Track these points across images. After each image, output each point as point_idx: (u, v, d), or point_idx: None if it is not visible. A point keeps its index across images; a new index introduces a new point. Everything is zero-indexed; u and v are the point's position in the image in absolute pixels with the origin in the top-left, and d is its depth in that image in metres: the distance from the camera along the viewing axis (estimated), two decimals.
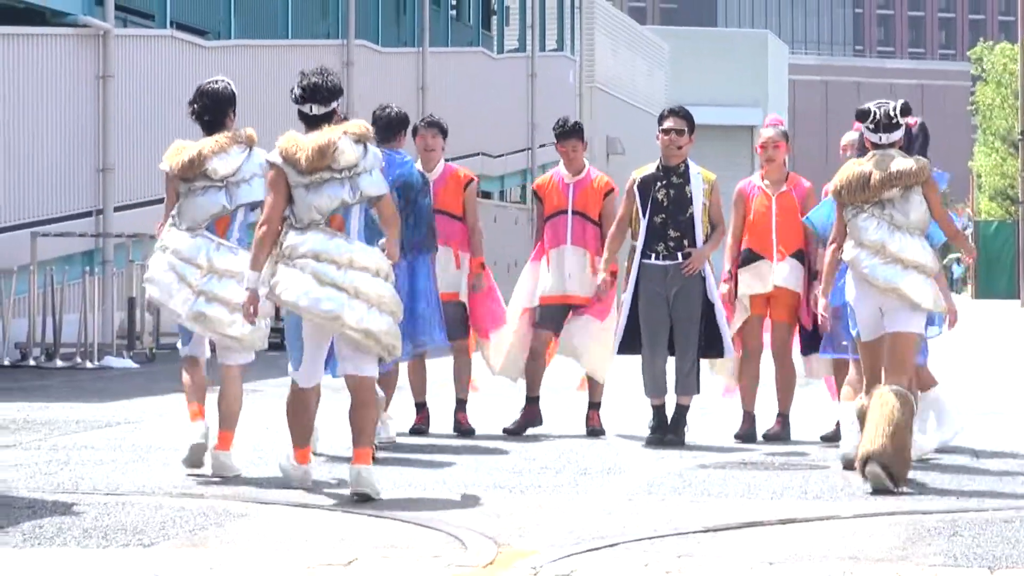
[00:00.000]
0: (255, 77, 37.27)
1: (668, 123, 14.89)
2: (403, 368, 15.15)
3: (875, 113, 12.70)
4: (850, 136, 14.41)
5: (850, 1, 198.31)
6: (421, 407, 15.70)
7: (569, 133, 15.78)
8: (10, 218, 28.28)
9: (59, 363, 26.45)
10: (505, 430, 15.57)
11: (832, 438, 14.74)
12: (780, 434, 15.05)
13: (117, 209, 30.56)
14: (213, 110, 12.88)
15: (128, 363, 23.90)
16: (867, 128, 12.77)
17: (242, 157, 12.75)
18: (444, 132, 15.76)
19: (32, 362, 26.74)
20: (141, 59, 33.30)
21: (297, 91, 12.00)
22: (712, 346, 14.71)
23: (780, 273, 14.90)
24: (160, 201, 14.54)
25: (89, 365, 26.44)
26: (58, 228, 29.38)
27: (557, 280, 15.46)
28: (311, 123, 11.95)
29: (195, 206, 12.68)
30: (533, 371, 15.62)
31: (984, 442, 14.73)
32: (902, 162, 12.51)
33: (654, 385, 14.80)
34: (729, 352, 14.81)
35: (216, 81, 13.06)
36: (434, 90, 47.96)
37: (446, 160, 15.85)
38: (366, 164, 11.77)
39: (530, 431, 15.63)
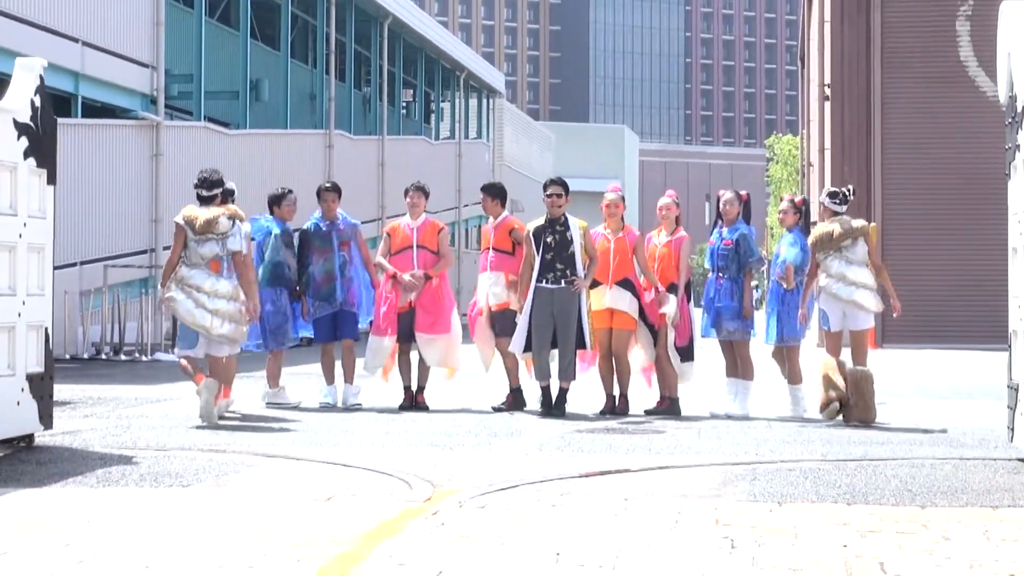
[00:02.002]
0: (262, 156, 37.23)
1: (551, 189, 14.93)
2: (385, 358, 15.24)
3: (840, 193, 14.50)
4: (663, 200, 15.04)
5: (682, 104, 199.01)
6: (407, 390, 15.60)
7: (492, 191, 16.01)
8: (89, 254, 28.19)
9: (123, 357, 26.35)
10: (493, 407, 15.34)
11: (653, 412, 14.79)
12: (624, 409, 14.95)
13: (164, 248, 30.41)
14: (210, 188, 13.98)
15: (172, 357, 23.77)
16: (832, 201, 14.42)
17: (229, 223, 13.71)
18: (426, 194, 15.77)
19: (103, 356, 26.59)
20: (183, 143, 33.17)
21: (196, 181, 13.98)
22: (580, 344, 14.69)
23: (613, 296, 14.89)
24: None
25: (144, 359, 26.32)
26: (123, 261, 29.29)
27: (487, 296, 15.40)
28: (203, 201, 13.83)
29: (201, 251, 13.71)
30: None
31: (780, 413, 14.76)
32: (857, 222, 14.34)
33: (541, 372, 14.75)
34: (588, 345, 14.73)
35: (214, 172, 14.14)
36: (390, 166, 47.92)
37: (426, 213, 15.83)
38: (233, 231, 13.64)
39: (452, 407, 15.55)
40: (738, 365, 14.91)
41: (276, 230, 15.64)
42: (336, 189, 15.99)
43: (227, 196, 14.37)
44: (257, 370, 16.05)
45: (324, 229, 15.70)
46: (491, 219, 15.75)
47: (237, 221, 13.78)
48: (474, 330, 15.56)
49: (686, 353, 14.80)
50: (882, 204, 34.52)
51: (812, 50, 41.76)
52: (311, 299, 15.62)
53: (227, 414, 14.41)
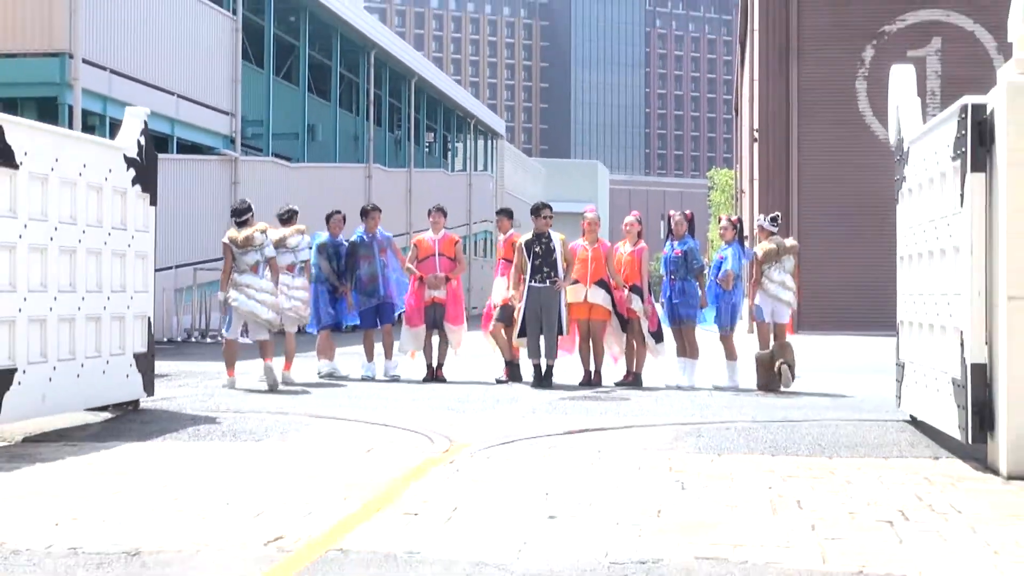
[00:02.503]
0: (317, 184, 37.11)
1: (545, 212, 14.99)
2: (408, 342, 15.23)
3: (778, 216, 15.10)
4: (628, 219, 15.16)
5: (642, 144, 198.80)
6: (429, 367, 15.56)
7: (508, 213, 16.27)
8: (182, 260, 28.13)
9: (208, 340, 26.25)
10: (496, 380, 15.27)
11: (622, 383, 14.77)
12: (598, 382, 14.92)
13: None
14: (241, 215, 14.20)
15: (246, 340, 23.70)
16: (773, 224, 14.87)
17: (262, 236, 14.03)
18: (445, 214, 15.81)
19: (193, 340, 26.53)
20: (255, 173, 33.09)
21: (232, 210, 14.46)
22: (559, 331, 14.70)
23: (591, 293, 14.92)
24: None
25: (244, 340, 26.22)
26: (208, 266, 29.19)
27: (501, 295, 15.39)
28: (239, 225, 14.06)
29: (245, 259, 14.01)
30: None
31: (719, 381, 14.77)
32: (790, 241, 14.91)
33: (532, 352, 14.75)
34: (564, 331, 14.73)
35: (242, 202, 14.53)
36: (416, 192, 47.79)
37: (446, 229, 15.86)
38: (264, 242, 14.04)
39: (464, 379, 15.55)
40: (686, 347, 14.90)
41: (317, 242, 15.73)
42: (378, 209, 16.10)
43: (293, 215, 15.44)
44: (311, 350, 16.17)
45: (367, 240, 15.78)
46: (501, 236, 15.81)
47: (266, 234, 14.14)
48: (485, 323, 15.61)
49: (658, 336, 14.88)
50: (799, 222, 34.46)
51: (744, 102, 41.68)
52: (357, 295, 15.68)
53: (290, 384, 14.48)
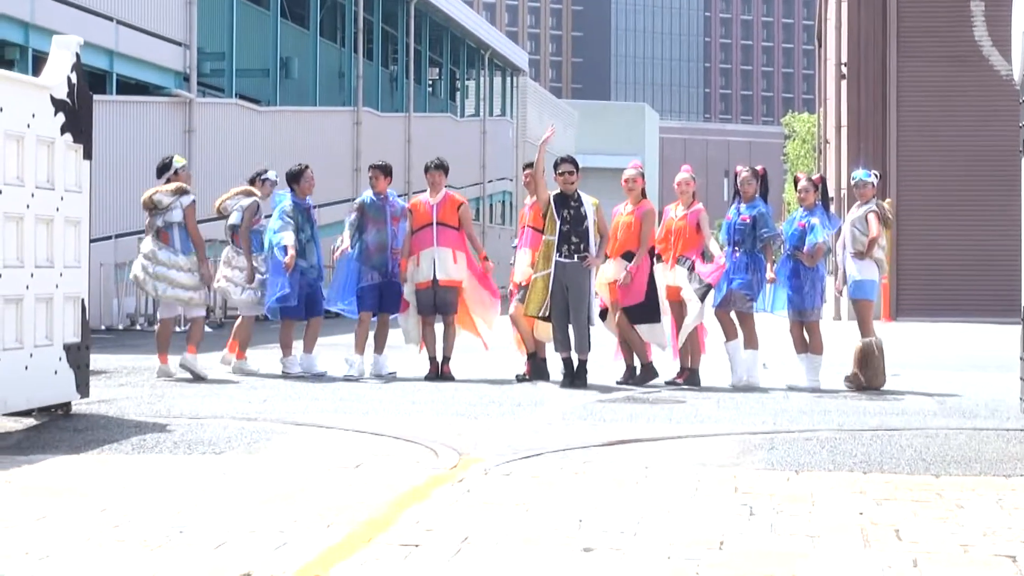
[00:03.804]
0: (292, 133, 37.22)
1: (563, 167, 14.88)
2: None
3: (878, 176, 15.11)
4: (681, 176, 15.10)
5: (701, 82, 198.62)
6: (432, 360, 15.64)
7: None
8: (124, 228, 28.17)
9: (156, 328, 26.30)
10: (517, 377, 15.32)
11: (673, 382, 14.77)
12: (646, 377, 14.89)
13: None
14: (161, 173, 15.43)
15: (206, 329, 23.79)
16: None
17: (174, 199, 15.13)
18: (446, 170, 15.80)
19: (138, 327, 26.65)
20: (214, 119, 33.20)
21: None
22: (590, 320, 14.72)
23: (615, 267, 14.88)
24: (219, 219, 15.68)
25: (177, 329, 26.28)
26: None
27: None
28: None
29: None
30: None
31: (796, 380, 14.75)
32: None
33: (561, 344, 14.75)
34: (594, 323, 14.77)
35: (166, 158, 15.73)
36: (415, 143, 47.91)
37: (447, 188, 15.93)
38: (172, 204, 14.98)
39: (476, 377, 15.57)
40: (752, 337, 14.87)
41: (283, 205, 15.91)
42: (381, 167, 16.00)
43: (260, 181, 16.24)
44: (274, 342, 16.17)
45: (378, 202, 15.76)
46: (528, 198, 15.68)
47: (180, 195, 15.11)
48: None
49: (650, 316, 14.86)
50: (897, 181, 34.42)
51: (829, 29, 41.58)
52: (360, 266, 15.60)
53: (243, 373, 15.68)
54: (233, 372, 15.90)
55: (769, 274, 14.65)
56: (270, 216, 16.06)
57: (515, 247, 15.78)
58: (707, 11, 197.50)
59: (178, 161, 15.49)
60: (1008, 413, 12.15)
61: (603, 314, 15.06)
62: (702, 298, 14.67)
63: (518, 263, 15.43)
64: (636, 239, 14.77)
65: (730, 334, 14.84)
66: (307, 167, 16.19)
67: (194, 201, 15.11)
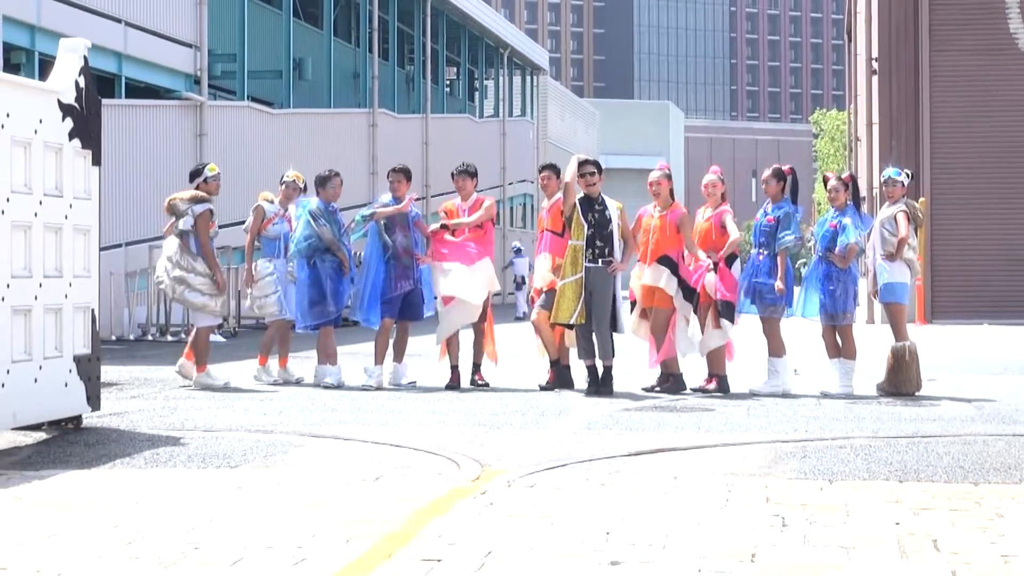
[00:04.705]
0: (306, 136, 37.27)
1: (585, 169, 14.84)
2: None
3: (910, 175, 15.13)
4: (708, 178, 15.01)
5: (727, 79, 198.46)
6: (454, 369, 15.63)
7: (556, 168, 15.86)
8: (134, 235, 28.26)
9: (169, 338, 26.41)
10: (540, 386, 15.31)
11: (701, 389, 14.74)
12: (674, 386, 14.87)
13: None
14: (192, 178, 15.70)
15: (219, 338, 23.81)
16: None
17: (187, 205, 15.42)
18: (472, 175, 15.85)
19: (149, 337, 26.71)
20: (226, 122, 33.27)
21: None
22: (614, 327, 14.71)
23: (651, 273, 14.79)
24: (236, 224, 15.69)
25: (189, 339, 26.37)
26: None
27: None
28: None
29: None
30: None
31: (828, 387, 14.70)
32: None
33: (585, 352, 14.74)
34: (621, 330, 14.77)
35: (200, 164, 16.34)
36: (434, 144, 47.98)
37: (477, 191, 15.98)
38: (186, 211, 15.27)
39: (498, 386, 15.56)
40: (778, 344, 14.84)
41: (309, 208, 15.82)
42: (402, 171, 15.99)
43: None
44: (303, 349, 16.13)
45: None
46: (546, 200, 15.67)
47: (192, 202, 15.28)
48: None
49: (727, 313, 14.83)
50: (931, 178, 34.34)
51: (859, 23, 41.51)
52: (391, 269, 15.51)
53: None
54: (279, 381, 16.06)
55: (778, 284, 14.62)
56: (272, 219, 16.21)
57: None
58: (733, 6, 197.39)
59: (211, 170, 15.70)
60: None
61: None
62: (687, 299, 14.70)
63: (537, 268, 15.45)
64: (672, 244, 14.75)
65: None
66: (337, 174, 16.17)
67: (209, 210, 15.16)
